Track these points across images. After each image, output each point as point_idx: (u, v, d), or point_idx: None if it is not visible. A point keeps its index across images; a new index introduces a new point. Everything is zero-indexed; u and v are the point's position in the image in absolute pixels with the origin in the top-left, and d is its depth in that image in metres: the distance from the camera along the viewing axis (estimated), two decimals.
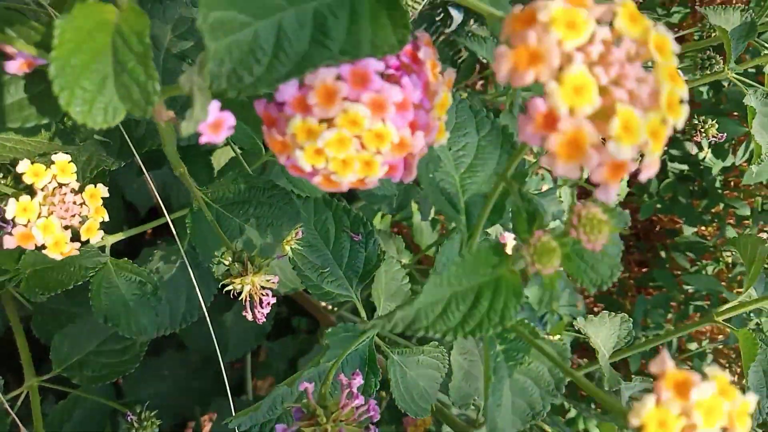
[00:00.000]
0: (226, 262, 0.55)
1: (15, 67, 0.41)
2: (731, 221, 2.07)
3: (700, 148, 1.86)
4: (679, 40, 2.61)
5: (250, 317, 0.55)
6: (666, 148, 1.56)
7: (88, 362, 0.99)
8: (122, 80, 0.35)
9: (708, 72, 1.31)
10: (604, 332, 0.86)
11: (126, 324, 0.79)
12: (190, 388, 1.46)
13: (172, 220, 0.78)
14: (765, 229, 2.02)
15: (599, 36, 0.30)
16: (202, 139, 0.34)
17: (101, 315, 0.77)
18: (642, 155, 0.31)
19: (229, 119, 0.35)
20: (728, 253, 2.09)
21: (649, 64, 0.32)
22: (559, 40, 0.29)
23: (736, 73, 1.17)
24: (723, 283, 1.95)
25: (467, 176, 0.49)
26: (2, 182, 0.68)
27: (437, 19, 1.74)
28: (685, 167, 1.87)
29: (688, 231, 2.03)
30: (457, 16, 1.60)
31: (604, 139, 0.30)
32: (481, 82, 1.92)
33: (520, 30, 0.31)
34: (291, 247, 0.78)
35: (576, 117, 0.29)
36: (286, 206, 0.71)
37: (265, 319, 0.55)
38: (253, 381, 1.57)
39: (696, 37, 2.53)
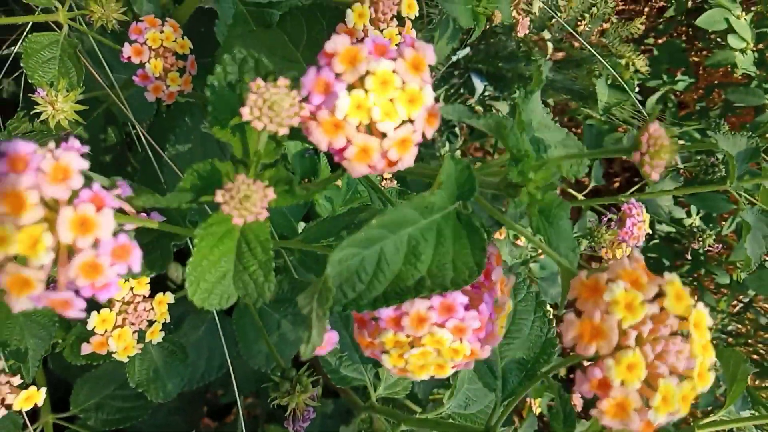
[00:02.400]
0: (276, 379, 0.61)
1: (132, 225, 0.47)
2: (710, 285, 2.16)
3: (689, 215, 1.95)
4: (682, 106, 2.71)
5: (291, 430, 0.61)
6: None
7: (104, 405, 1.04)
8: (242, 278, 0.41)
9: (710, 178, 1.39)
10: None
11: (155, 390, 0.84)
12: (176, 421, 1.51)
13: None
14: (741, 299, 2.12)
15: (650, 312, 0.37)
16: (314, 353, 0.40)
17: (134, 380, 0.83)
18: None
19: (334, 337, 0.42)
20: None
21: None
22: (619, 321, 0.36)
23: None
24: None
25: (505, 342, 0.55)
26: None
27: (459, 83, 1.81)
28: (672, 230, 1.96)
29: None
30: (479, 86, 1.68)
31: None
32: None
33: (586, 298, 0.37)
34: None
35: (626, 388, 0.35)
36: None
37: None
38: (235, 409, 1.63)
39: (698, 107, 2.63)
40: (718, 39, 2.43)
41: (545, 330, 0.57)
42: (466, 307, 0.41)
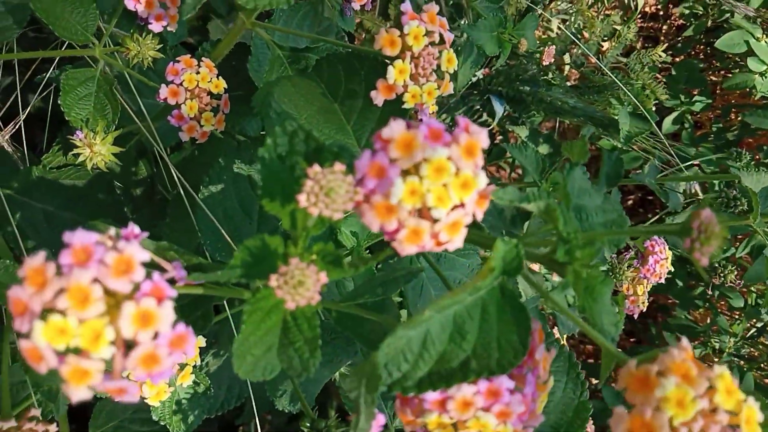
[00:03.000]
0: (305, 429, 0.61)
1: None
2: (722, 307, 2.15)
3: None
4: (698, 126, 2.69)
5: None
6: None
7: (122, 429, 1.04)
8: (287, 352, 0.41)
9: (731, 212, 1.38)
10: None
11: (177, 423, 0.85)
12: None
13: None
14: (755, 324, 2.10)
15: (701, 406, 0.37)
16: None
17: (157, 414, 0.83)
18: None
19: (381, 419, 0.42)
20: (716, 340, 2.16)
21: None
22: (670, 418, 0.36)
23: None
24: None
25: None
26: None
27: (479, 104, 1.81)
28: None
29: (681, 312, 2.11)
30: (498, 110, 1.67)
31: None
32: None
33: (635, 391, 0.37)
34: (340, 373, 0.85)
35: None
36: (348, 347, 0.77)
37: None
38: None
39: (715, 128, 2.61)
40: (737, 59, 2.43)
41: (578, 392, 0.56)
42: (511, 391, 0.41)
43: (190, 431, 0.87)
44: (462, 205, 0.39)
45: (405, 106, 0.57)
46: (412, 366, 0.40)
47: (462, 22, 1.63)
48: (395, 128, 0.37)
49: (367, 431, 0.37)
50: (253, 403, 0.97)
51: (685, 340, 0.40)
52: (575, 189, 0.50)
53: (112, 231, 0.34)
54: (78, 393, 0.32)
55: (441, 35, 0.58)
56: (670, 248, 1.13)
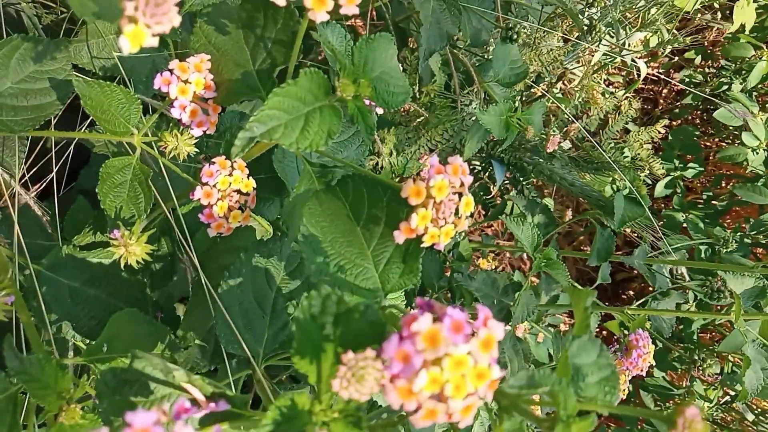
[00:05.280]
0: None
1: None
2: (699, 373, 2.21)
3: (686, 300, 2.00)
4: (690, 189, 2.77)
5: None
6: None
7: None
8: None
9: (715, 302, 1.44)
10: None
11: None
12: None
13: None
14: (728, 392, 2.16)
15: None
16: None
17: None
18: None
19: None
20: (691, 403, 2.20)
21: None
22: None
23: None
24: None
25: None
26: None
27: (480, 169, 1.87)
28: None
29: (659, 373, 2.16)
30: (499, 177, 1.74)
31: None
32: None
33: None
34: None
35: None
36: None
37: None
38: None
39: (705, 197, 2.69)
40: (732, 129, 2.51)
41: None
42: None
43: None
44: (475, 391, 0.43)
45: (423, 245, 0.62)
46: None
47: (471, 90, 1.69)
48: (423, 323, 0.42)
49: None
50: None
51: None
52: (574, 351, 0.55)
53: (166, 405, 0.39)
54: None
55: (461, 181, 0.64)
56: (654, 341, 1.19)
